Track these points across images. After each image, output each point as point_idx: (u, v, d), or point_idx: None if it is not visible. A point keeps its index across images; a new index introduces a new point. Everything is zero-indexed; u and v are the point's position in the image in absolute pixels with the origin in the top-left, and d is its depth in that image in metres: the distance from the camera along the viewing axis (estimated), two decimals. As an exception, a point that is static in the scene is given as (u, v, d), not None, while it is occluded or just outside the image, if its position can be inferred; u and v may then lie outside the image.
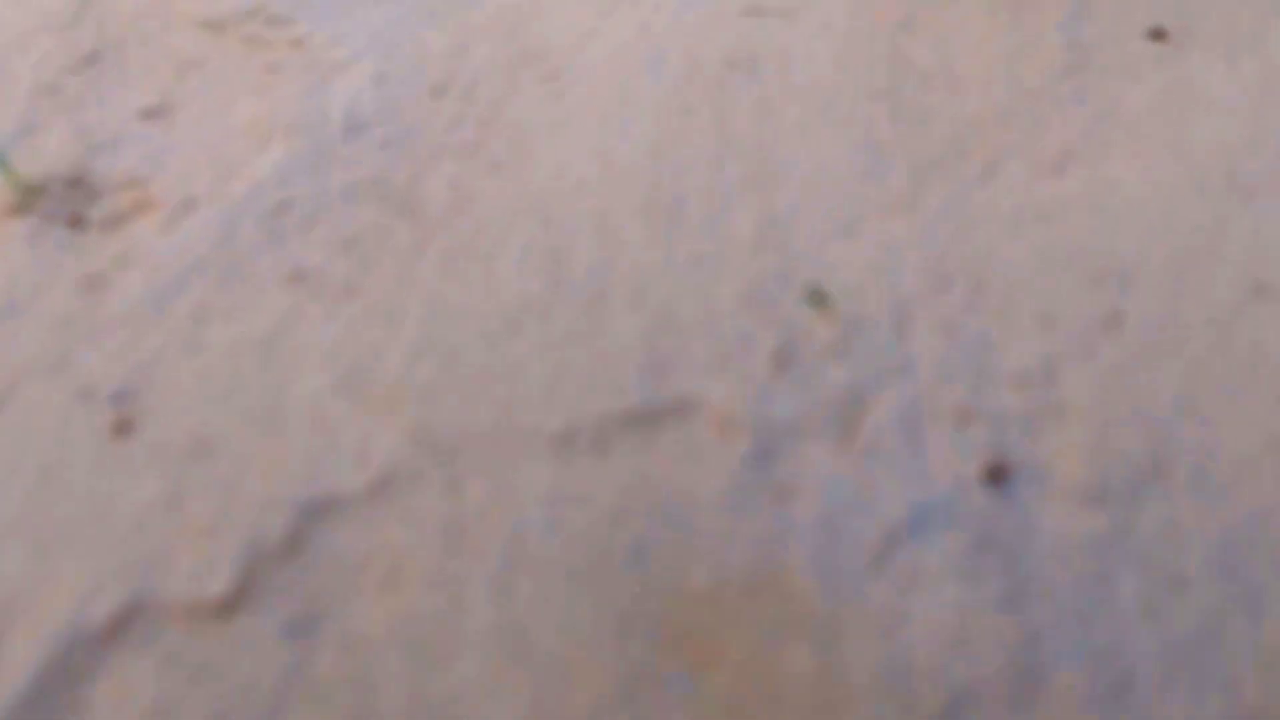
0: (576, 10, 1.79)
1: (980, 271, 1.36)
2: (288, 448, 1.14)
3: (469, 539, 1.09)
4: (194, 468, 1.12)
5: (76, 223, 1.40)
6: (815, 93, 1.64)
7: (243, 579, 1.05)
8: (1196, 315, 1.31)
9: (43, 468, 1.11)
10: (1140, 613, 1.06)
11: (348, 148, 1.53)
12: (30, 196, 1.44)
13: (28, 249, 1.37)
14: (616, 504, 1.11)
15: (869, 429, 1.18)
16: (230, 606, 1.04)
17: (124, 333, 1.24)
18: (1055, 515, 1.11)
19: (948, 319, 1.30)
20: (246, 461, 1.13)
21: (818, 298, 1.29)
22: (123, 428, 1.14)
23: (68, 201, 1.44)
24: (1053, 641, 1.05)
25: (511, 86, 1.65)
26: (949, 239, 1.41)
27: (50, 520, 1.08)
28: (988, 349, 1.26)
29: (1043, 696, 1.03)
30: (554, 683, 1.02)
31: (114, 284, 1.31)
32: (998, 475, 1.12)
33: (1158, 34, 1.75)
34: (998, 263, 1.37)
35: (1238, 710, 1.02)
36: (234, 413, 1.17)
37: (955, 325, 1.29)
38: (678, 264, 1.36)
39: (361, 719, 1.00)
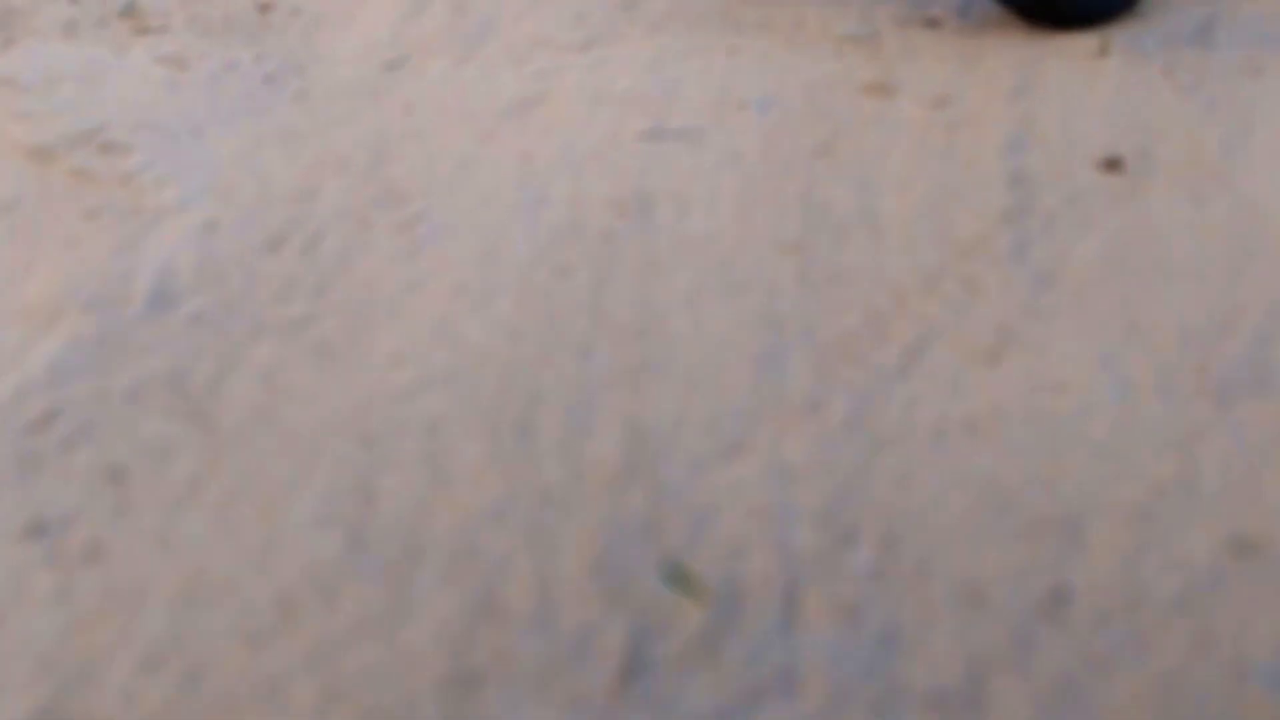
0: (453, 134, 1.38)
1: (892, 517, 0.96)
2: None
3: None
4: None
5: None
6: (713, 246, 1.23)
7: None
8: (1161, 589, 0.90)
9: None
10: None
11: (149, 328, 1.13)
12: None
13: None
14: None
15: (732, 789, 0.78)
16: None
17: None
18: None
19: (848, 597, 0.90)
20: None
21: (680, 577, 0.89)
22: None
23: None
24: None
25: (361, 238, 1.24)
26: (856, 464, 1.00)
27: None
28: (896, 647, 0.86)
29: None
30: None
31: None
32: None
33: (1112, 164, 1.34)
34: (914, 502, 0.97)
35: None
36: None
37: (857, 608, 0.89)
38: (517, 509, 0.96)
39: None
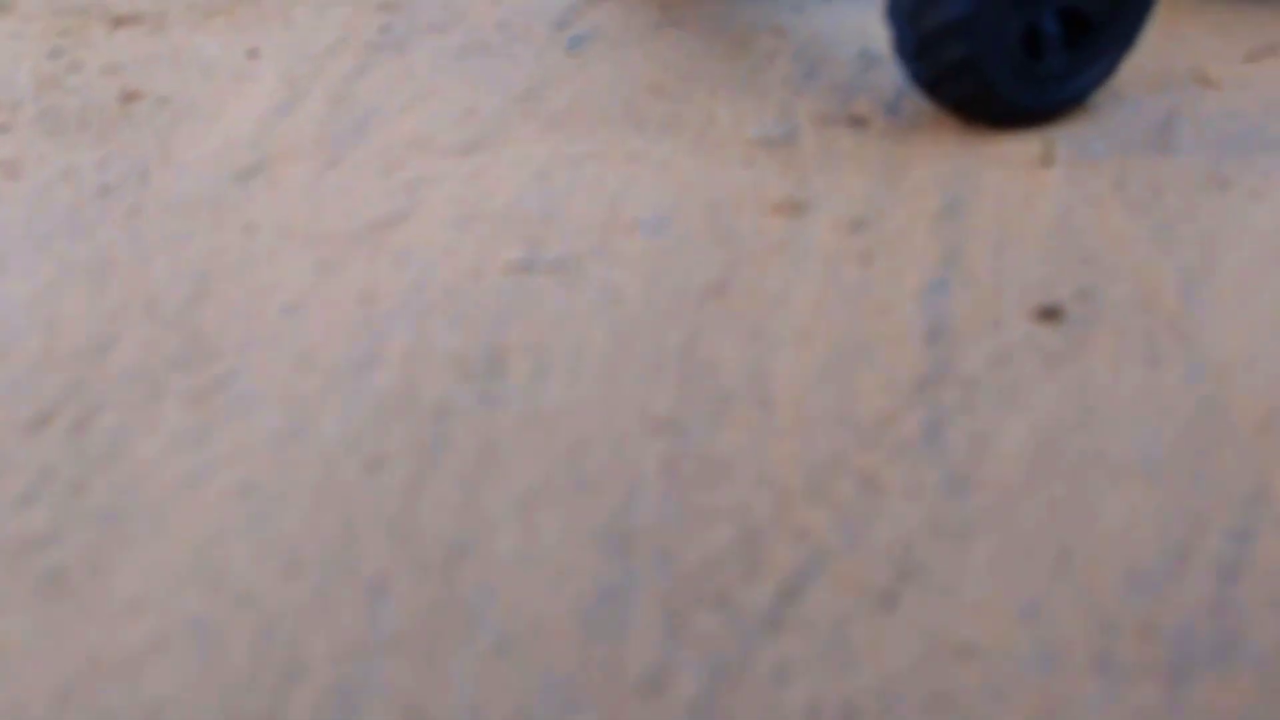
0: (291, 264, 1.05)
1: None
2: None
3: None
4: None
5: None
6: (567, 424, 0.90)
7: None
8: None
9: None
10: None
11: None
12: None
13: None
14: None
15: None
16: None
17: None
18: None
19: None
20: None
21: None
22: None
23: None
24: None
25: (145, 413, 0.91)
26: (693, 782, 0.67)
27: None
28: None
29: None
30: None
31: None
32: None
33: (1049, 313, 1.01)
34: None
35: None
36: None
37: None
38: None
39: None
